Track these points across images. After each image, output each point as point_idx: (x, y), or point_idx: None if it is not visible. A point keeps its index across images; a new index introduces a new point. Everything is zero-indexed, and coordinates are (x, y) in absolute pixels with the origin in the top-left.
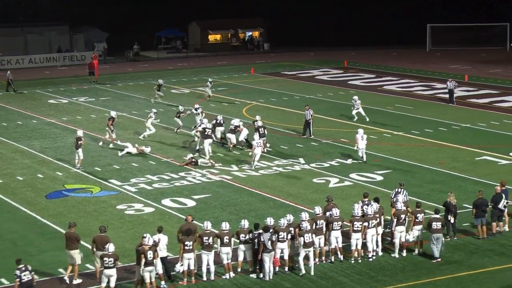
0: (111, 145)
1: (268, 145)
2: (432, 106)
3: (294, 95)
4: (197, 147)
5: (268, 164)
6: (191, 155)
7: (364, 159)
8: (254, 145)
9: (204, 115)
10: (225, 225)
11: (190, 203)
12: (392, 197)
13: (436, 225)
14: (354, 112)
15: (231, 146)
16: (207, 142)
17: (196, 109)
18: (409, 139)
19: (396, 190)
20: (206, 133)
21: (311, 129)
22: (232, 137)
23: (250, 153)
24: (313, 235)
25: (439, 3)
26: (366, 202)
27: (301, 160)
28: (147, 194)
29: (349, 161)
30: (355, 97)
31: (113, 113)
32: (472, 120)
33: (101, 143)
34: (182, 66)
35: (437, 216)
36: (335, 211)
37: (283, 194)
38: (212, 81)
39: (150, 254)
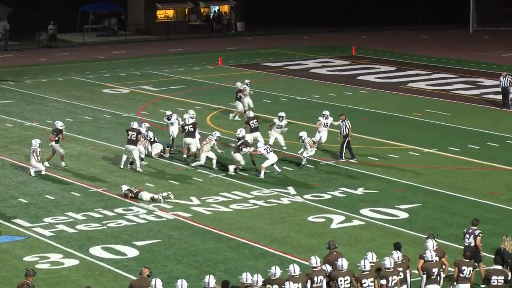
0: (63, 164)
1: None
2: (479, 112)
3: (280, 96)
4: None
5: (244, 196)
6: (126, 187)
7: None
8: (263, 153)
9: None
10: (182, 284)
11: (131, 252)
12: None
13: (497, 280)
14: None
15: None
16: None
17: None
18: (445, 160)
19: None
20: (130, 137)
21: (350, 147)
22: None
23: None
24: None
25: None
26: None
27: (291, 189)
28: (68, 240)
29: (360, 190)
30: (327, 112)
31: (59, 124)
32: None
33: (46, 164)
34: (119, 55)
35: (498, 267)
36: (341, 263)
37: (265, 239)
38: (249, 83)
39: None
